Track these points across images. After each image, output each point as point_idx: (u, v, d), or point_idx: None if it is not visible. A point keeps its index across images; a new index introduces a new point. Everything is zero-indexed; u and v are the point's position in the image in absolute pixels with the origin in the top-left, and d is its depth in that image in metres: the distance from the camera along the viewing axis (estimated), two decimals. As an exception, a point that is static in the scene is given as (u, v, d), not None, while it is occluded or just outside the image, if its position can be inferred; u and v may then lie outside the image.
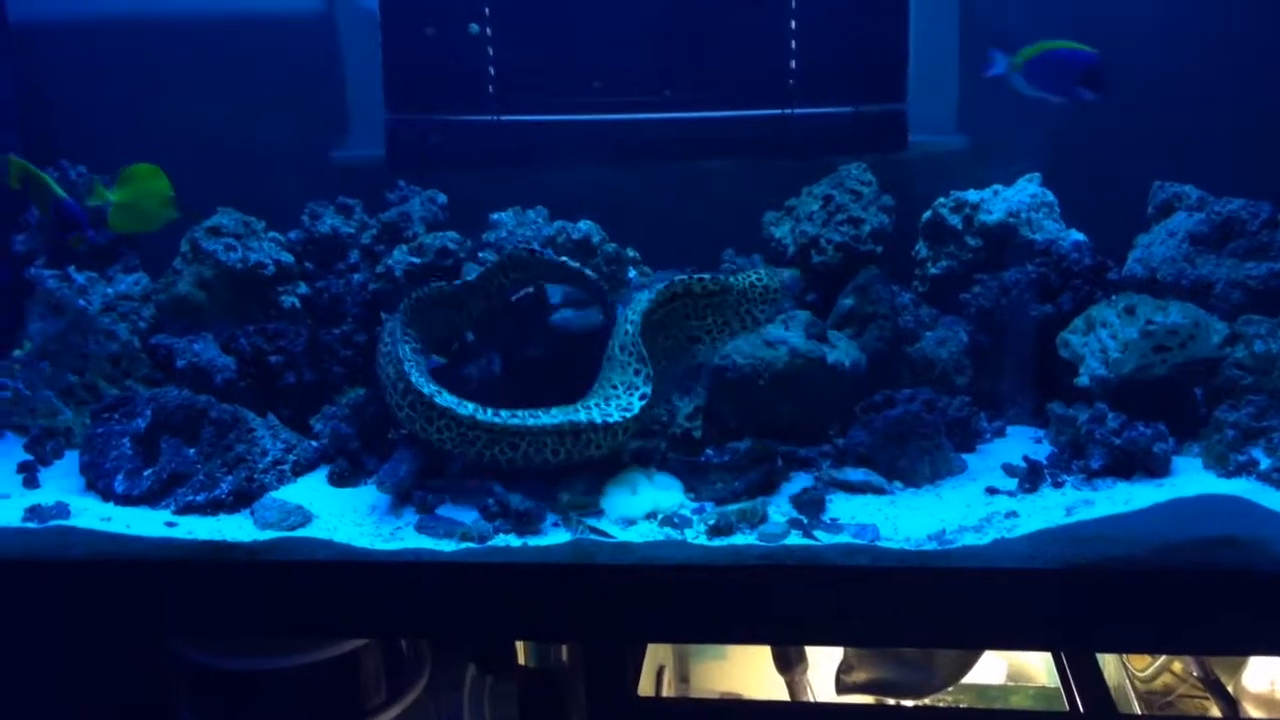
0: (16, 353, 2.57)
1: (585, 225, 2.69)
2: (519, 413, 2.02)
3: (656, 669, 2.70)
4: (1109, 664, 2.49)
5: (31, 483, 2.26)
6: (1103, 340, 2.23)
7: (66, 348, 2.57)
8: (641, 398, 2.06)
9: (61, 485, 2.25)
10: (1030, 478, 2.05)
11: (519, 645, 2.54)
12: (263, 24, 3.00)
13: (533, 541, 1.88)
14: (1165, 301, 2.24)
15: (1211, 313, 2.25)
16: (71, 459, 2.34)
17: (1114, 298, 2.31)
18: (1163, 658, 2.49)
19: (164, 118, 3.01)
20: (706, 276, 2.21)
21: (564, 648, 2.52)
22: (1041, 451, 2.20)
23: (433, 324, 2.33)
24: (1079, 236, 2.61)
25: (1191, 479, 2.01)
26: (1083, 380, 2.24)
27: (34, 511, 2.01)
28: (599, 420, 2.00)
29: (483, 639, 2.42)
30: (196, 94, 3.04)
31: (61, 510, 2.02)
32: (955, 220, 2.70)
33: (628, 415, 2.02)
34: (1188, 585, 1.72)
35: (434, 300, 2.29)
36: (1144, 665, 2.53)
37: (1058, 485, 2.04)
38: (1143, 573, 1.72)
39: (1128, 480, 2.02)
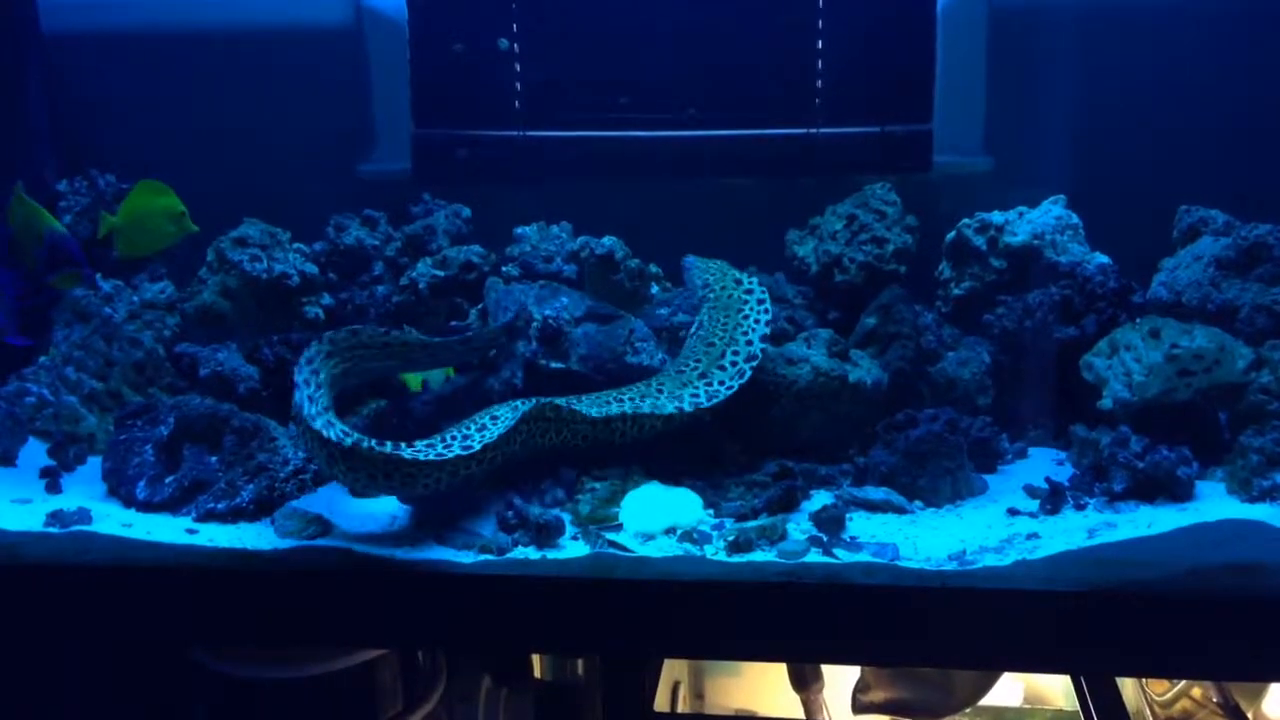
0: (42, 359, 2.59)
1: (609, 241, 2.70)
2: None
3: (672, 684, 2.70)
4: (1128, 688, 2.48)
5: (54, 488, 2.26)
6: (1127, 363, 2.22)
7: (91, 354, 2.59)
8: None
9: (84, 491, 2.25)
10: (1052, 499, 2.04)
11: (535, 658, 2.55)
12: (291, 37, 3.02)
13: (551, 554, 1.88)
14: (1190, 325, 2.23)
15: (1237, 337, 2.24)
16: (94, 465, 2.35)
17: (1138, 321, 2.30)
18: (1182, 683, 2.47)
19: (192, 128, 3.04)
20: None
21: (580, 662, 2.52)
22: (1063, 473, 2.19)
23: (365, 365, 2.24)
24: (1104, 259, 2.60)
25: (1215, 504, 2.00)
26: (1106, 403, 2.23)
27: (56, 516, 2.02)
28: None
29: (500, 651, 2.42)
30: (224, 105, 3.06)
31: (83, 516, 2.03)
32: (979, 241, 2.70)
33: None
34: (1209, 610, 1.70)
35: (370, 345, 2.20)
36: (1163, 690, 2.51)
37: (1080, 507, 2.03)
38: (1164, 597, 1.71)
39: (1151, 504, 2.01)
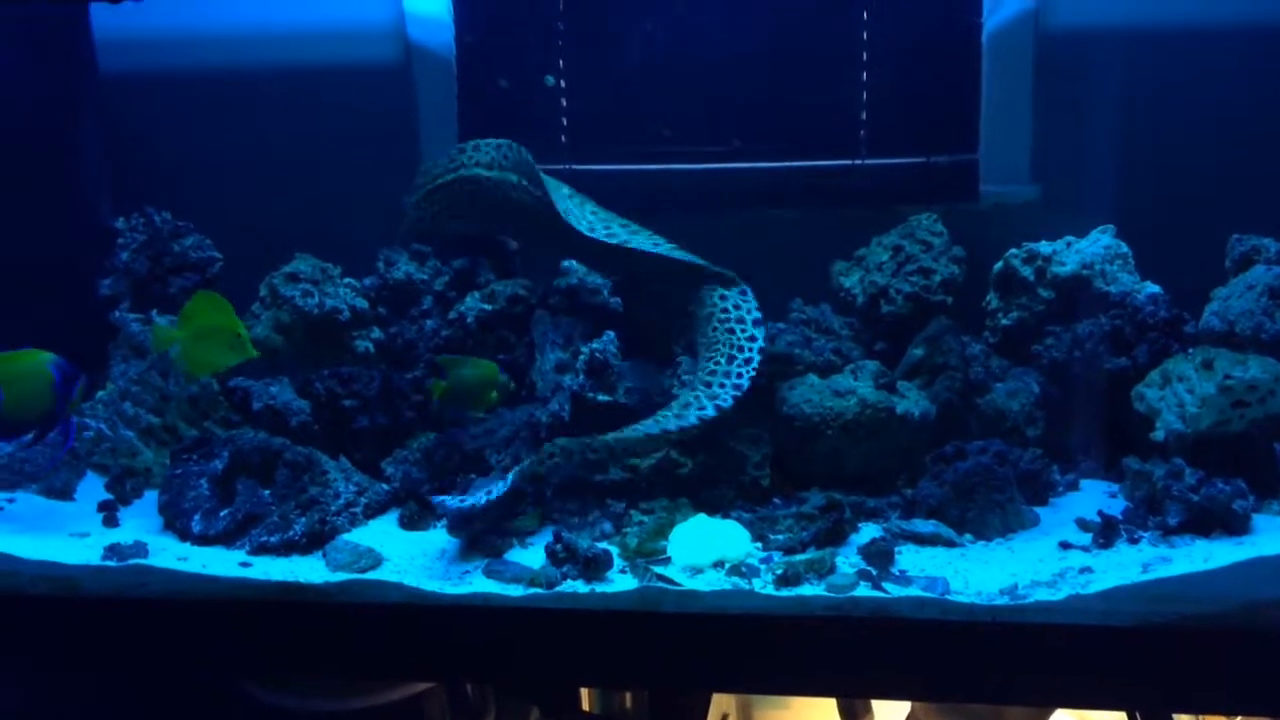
0: (100, 393, 2.63)
1: (655, 273, 2.70)
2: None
3: (720, 718, 2.69)
4: (1185, 725, 2.44)
5: (111, 521, 2.30)
6: (1179, 394, 2.20)
7: (148, 389, 2.62)
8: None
9: (140, 524, 2.28)
10: (1105, 533, 2.02)
11: (583, 691, 2.55)
12: (342, 75, 3.06)
13: (600, 588, 1.89)
14: (1244, 356, 2.21)
15: (1292, 368, 2.21)
16: (150, 498, 2.38)
17: (1191, 351, 2.28)
18: (1239, 719, 2.43)
19: (245, 165, 3.09)
20: None
21: (629, 695, 2.52)
22: (1116, 506, 2.17)
23: None
24: (1155, 289, 2.58)
25: (1272, 537, 1.97)
26: (1158, 435, 2.20)
27: (113, 550, 2.05)
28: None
29: (549, 684, 2.42)
30: (277, 142, 3.11)
31: (140, 549, 2.06)
32: (1027, 271, 2.68)
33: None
34: (1268, 646, 1.68)
35: None
36: (1222, 727, 2.46)
37: (1134, 541, 2.00)
38: (1222, 632, 1.69)
39: (1206, 538, 1.98)
